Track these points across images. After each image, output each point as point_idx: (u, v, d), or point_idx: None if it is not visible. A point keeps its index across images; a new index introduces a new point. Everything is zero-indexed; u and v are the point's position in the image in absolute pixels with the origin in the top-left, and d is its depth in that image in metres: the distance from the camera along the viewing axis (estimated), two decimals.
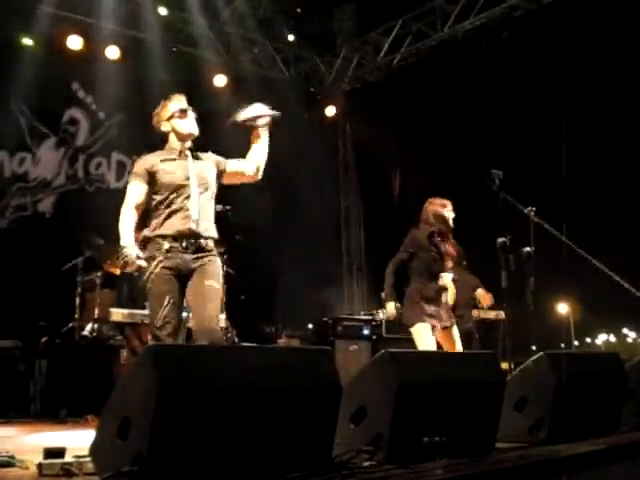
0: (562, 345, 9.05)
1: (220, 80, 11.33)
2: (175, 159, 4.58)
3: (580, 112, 9.62)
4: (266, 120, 4.91)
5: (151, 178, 4.49)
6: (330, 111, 12.73)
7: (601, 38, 9.27)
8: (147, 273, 4.36)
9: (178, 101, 4.75)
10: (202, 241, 4.47)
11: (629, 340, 26.83)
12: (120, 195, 4.59)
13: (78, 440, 4.48)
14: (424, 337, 5.82)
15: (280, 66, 12.26)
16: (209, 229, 4.56)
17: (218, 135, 5.61)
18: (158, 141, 4.76)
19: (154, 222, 4.48)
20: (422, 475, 3.11)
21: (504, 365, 6.34)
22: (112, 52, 10.21)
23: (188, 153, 4.65)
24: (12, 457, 3.62)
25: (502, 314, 7.86)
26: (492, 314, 8.45)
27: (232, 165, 4.83)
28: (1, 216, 9.74)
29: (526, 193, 7.03)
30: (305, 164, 11.96)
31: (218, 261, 4.57)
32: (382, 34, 11.91)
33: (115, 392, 3.01)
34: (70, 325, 7.94)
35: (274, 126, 5.00)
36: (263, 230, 10.63)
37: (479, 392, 3.94)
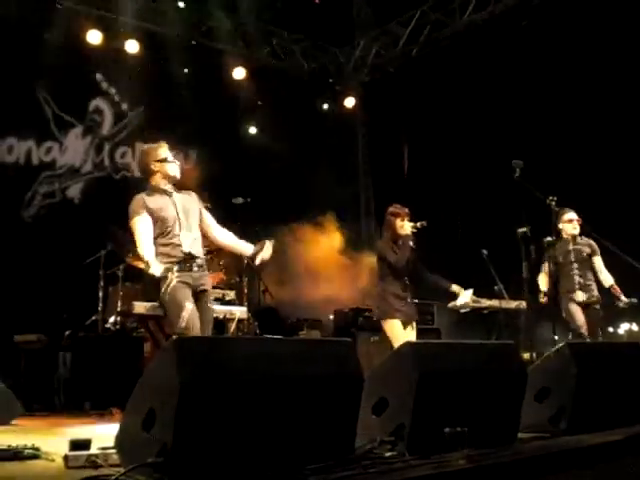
0: None
1: (239, 73, 11.35)
2: (162, 196, 5.18)
3: (601, 99, 9.55)
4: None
5: (149, 212, 5.06)
6: (349, 102, 12.71)
7: (624, 25, 9.18)
8: (164, 285, 4.85)
9: (166, 148, 5.30)
10: (199, 260, 5.10)
11: None
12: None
13: (103, 432, 4.53)
14: (395, 331, 6.40)
15: (299, 58, 12.24)
16: (201, 252, 5.21)
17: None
18: (143, 177, 5.42)
19: (158, 250, 5.03)
20: (443, 465, 3.12)
21: (526, 355, 6.34)
22: (131, 46, 10.27)
23: (172, 190, 5.24)
24: (38, 450, 3.67)
25: (524, 304, 7.83)
26: (514, 304, 8.42)
27: (205, 215, 5.42)
28: (29, 204, 9.89)
29: (547, 183, 7.02)
30: (324, 156, 11.97)
31: (210, 281, 5.35)
32: (401, 24, 11.85)
33: (139, 384, 3.04)
34: (93, 318, 8.01)
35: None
36: (283, 221, 10.65)
37: (500, 382, 3.94)
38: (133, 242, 5.11)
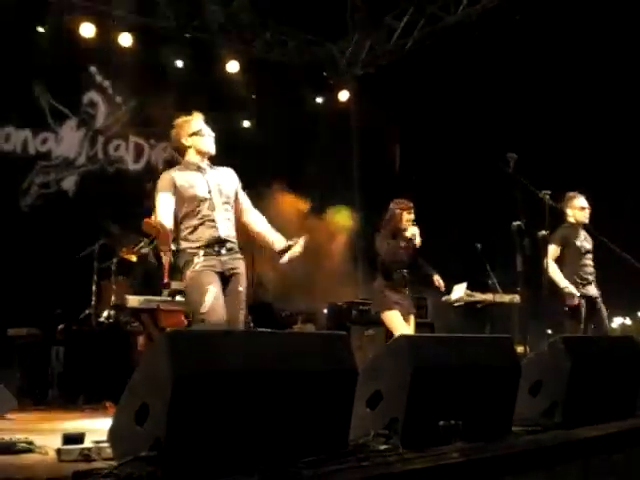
0: None
1: (233, 66, 11.33)
2: (195, 173, 4.83)
3: (596, 92, 9.56)
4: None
5: (175, 190, 4.72)
6: (343, 96, 12.71)
7: (617, 19, 9.19)
8: (188, 270, 4.62)
9: (200, 120, 4.96)
10: (230, 244, 4.77)
11: None
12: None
13: (96, 426, 4.52)
14: (395, 322, 6.44)
15: (293, 51, 12.21)
16: (233, 235, 4.85)
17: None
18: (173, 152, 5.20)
19: (184, 234, 4.73)
20: (438, 459, 3.12)
21: (520, 349, 6.34)
22: (125, 39, 10.27)
23: (206, 167, 4.90)
24: (31, 443, 3.67)
25: (517, 298, 7.84)
26: (507, 298, 8.44)
27: (242, 196, 5.08)
28: (26, 193, 9.89)
29: (541, 176, 7.01)
30: (319, 149, 11.96)
31: (244, 265, 4.89)
32: (395, 18, 11.83)
33: (133, 378, 3.03)
34: (87, 312, 7.99)
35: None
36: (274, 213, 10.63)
37: (494, 376, 3.94)
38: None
